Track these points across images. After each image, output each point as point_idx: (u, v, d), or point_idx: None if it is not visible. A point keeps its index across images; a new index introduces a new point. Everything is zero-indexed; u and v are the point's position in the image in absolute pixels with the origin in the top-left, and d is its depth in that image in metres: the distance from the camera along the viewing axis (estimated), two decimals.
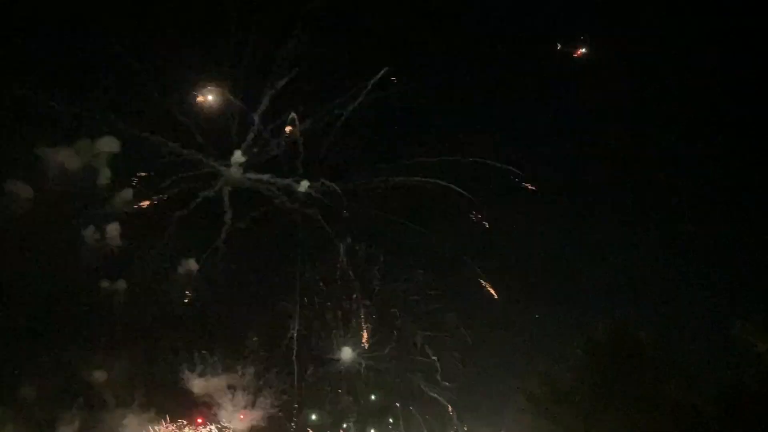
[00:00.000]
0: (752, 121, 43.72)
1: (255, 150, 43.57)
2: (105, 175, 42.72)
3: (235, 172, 43.35)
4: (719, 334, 41.46)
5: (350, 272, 43.45)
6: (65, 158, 42.32)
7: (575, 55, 45.44)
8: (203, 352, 41.95)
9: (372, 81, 42.78)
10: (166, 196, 42.35)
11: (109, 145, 42.86)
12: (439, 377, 43.47)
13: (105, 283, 41.66)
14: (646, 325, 42.12)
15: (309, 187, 43.68)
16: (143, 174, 42.81)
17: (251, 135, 43.16)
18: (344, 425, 43.72)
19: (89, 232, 41.54)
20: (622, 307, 43.33)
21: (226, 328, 42.53)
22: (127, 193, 42.80)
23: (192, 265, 42.40)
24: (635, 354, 41.79)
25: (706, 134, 45.23)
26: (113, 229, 42.19)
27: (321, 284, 43.70)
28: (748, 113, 43.75)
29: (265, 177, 43.60)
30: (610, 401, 40.62)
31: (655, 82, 45.08)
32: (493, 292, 44.04)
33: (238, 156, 43.24)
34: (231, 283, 42.45)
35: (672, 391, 40.92)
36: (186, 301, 42.24)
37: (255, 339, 42.65)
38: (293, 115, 42.77)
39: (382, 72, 42.67)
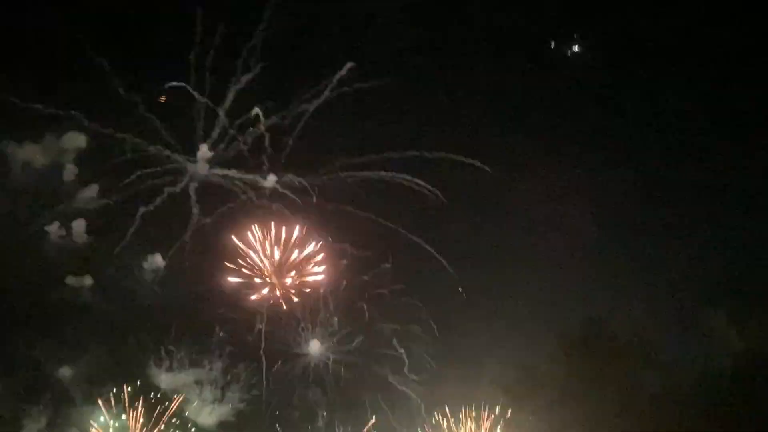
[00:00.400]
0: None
1: (221, 145, 43.75)
2: (70, 172, 42.83)
3: (201, 167, 43.45)
4: (692, 324, 42.86)
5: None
6: (30, 154, 42.49)
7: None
8: (170, 347, 42.10)
9: (337, 76, 43.03)
10: (131, 192, 42.59)
11: (74, 141, 42.97)
12: (406, 370, 43.82)
13: (71, 279, 41.74)
14: (620, 317, 43.22)
15: (276, 182, 43.86)
16: (108, 170, 42.86)
17: (217, 131, 43.32)
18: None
19: (54, 229, 41.52)
20: (595, 299, 43.96)
21: (193, 323, 42.50)
22: (92, 190, 42.89)
23: (158, 260, 42.41)
24: (610, 347, 42.70)
25: (677, 124, 46.14)
26: (78, 225, 42.28)
27: None
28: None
29: (231, 172, 43.83)
30: (587, 394, 41.47)
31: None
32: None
33: (204, 151, 43.33)
34: (198, 278, 42.51)
35: (648, 382, 41.99)
36: (152, 296, 42.27)
37: (222, 334, 42.73)
38: (258, 110, 42.92)
39: (347, 66, 42.85)
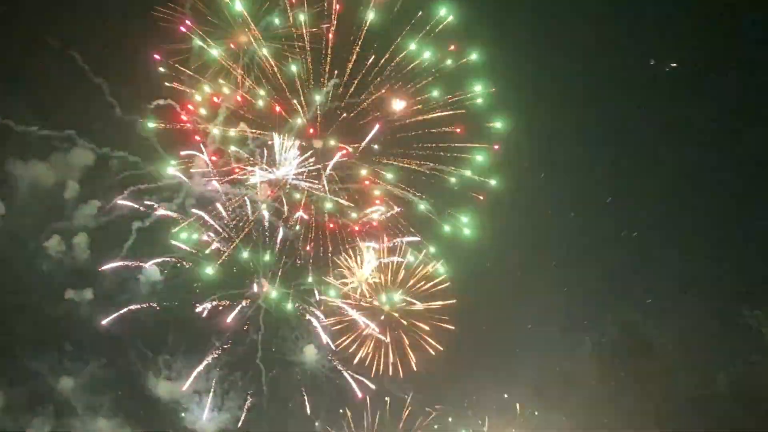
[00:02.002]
0: None
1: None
2: (72, 189, 44.28)
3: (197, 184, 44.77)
4: (729, 324, 43.11)
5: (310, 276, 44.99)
6: (36, 173, 43.96)
7: None
8: (167, 357, 43.27)
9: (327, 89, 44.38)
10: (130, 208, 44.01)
11: (76, 160, 44.41)
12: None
13: (71, 293, 43.10)
14: (655, 319, 43.87)
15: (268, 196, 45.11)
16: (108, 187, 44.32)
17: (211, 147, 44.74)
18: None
19: (55, 244, 42.96)
20: (629, 301, 44.60)
21: (189, 333, 43.69)
22: (92, 206, 44.30)
23: (155, 273, 43.66)
24: (645, 350, 43.25)
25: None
26: (79, 240, 43.66)
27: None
28: None
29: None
30: (621, 396, 42.25)
31: None
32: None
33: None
34: (192, 289, 43.80)
35: (683, 385, 42.54)
36: (149, 307, 43.47)
37: (219, 343, 43.81)
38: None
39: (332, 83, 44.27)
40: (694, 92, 45.32)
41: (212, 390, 43.83)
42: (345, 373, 44.25)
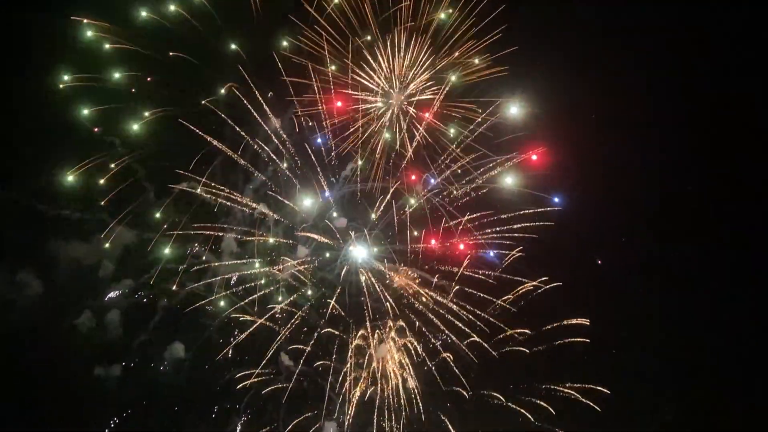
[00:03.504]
0: None
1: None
2: (106, 268, 46.31)
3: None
4: None
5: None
6: (73, 252, 46.23)
7: None
8: None
9: None
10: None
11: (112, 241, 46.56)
12: None
13: (99, 370, 44.37)
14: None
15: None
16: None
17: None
18: None
19: (86, 320, 44.66)
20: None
21: (213, 408, 44.42)
22: (126, 284, 46.14)
23: (179, 350, 44.78)
24: None
25: None
26: (112, 317, 45.28)
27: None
28: None
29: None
30: None
31: None
32: None
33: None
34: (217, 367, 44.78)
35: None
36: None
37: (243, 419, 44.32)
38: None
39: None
40: None
41: None
42: None
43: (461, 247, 46.28)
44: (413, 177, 46.55)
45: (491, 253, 46.07)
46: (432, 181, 46.67)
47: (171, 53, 45.77)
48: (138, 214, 45.64)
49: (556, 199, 46.29)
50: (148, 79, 46.35)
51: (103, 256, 45.44)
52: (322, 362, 45.06)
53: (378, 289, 45.43)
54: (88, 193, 45.23)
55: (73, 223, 45.07)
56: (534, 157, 46.25)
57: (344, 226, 46.28)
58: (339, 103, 45.95)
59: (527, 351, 45.26)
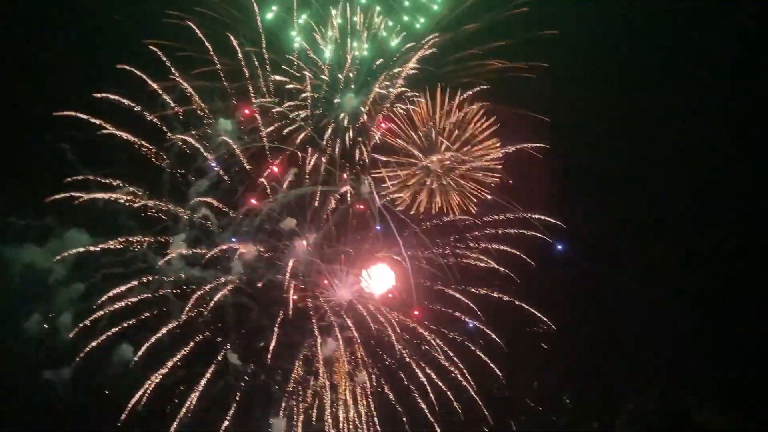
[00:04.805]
0: None
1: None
2: (60, 273, 46.69)
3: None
4: None
5: None
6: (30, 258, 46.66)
7: None
8: None
9: None
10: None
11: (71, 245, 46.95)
12: None
13: (48, 374, 44.57)
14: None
15: None
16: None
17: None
18: None
19: (36, 325, 45.02)
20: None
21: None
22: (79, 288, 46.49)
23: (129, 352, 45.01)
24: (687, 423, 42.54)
25: None
26: (62, 322, 45.62)
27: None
28: None
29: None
30: None
31: None
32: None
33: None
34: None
35: None
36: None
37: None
38: None
39: None
40: None
41: None
42: None
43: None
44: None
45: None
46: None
47: None
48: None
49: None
50: None
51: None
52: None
53: None
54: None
55: (22, 228, 45.58)
56: None
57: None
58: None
59: None
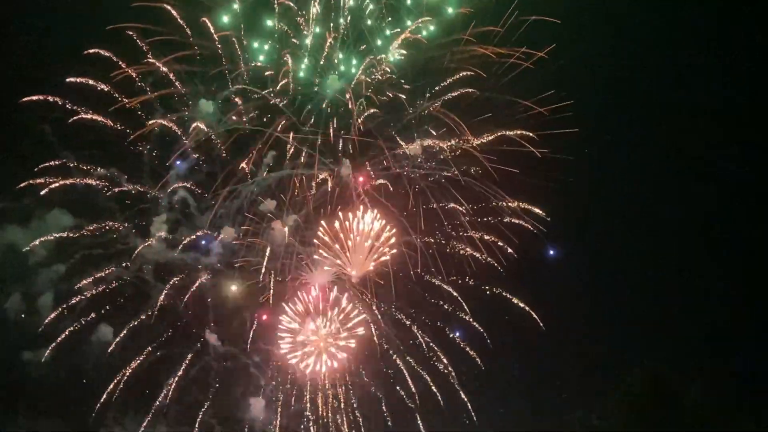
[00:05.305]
0: None
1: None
2: (40, 254, 46.76)
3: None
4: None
5: None
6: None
7: None
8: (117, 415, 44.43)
9: None
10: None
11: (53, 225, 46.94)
12: None
13: (27, 354, 44.78)
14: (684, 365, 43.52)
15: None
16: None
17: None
18: None
19: (15, 305, 45.18)
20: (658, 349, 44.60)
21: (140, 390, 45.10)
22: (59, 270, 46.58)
23: (108, 334, 45.20)
24: (674, 402, 42.66)
25: None
26: (43, 301, 45.80)
27: None
28: None
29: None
30: None
31: None
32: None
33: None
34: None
35: None
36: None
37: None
38: None
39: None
40: None
41: None
42: None
43: None
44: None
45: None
46: None
47: None
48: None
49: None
50: None
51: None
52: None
53: None
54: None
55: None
56: None
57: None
58: None
59: None
